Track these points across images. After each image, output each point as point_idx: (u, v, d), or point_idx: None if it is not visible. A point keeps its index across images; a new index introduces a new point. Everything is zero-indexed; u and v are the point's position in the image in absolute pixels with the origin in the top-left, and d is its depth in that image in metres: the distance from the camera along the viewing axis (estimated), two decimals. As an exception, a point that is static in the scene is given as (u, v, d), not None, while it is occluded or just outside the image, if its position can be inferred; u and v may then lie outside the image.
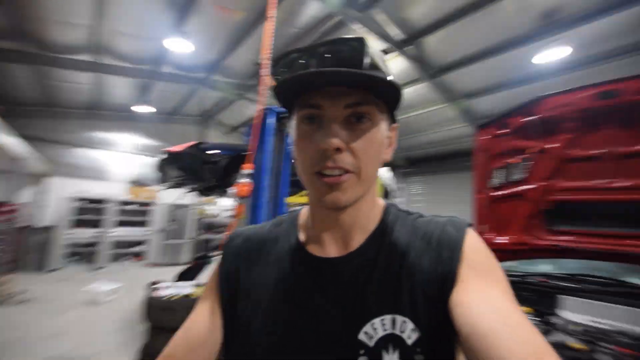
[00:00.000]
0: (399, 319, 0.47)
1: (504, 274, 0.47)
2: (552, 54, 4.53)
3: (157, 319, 2.77)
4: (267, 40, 2.10)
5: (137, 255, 8.38)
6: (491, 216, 2.23)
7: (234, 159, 3.64)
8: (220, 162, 3.78)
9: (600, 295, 1.74)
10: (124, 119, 8.63)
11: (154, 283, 3.18)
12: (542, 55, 4.59)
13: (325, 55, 0.46)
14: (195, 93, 7.56)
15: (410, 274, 0.49)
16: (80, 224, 7.66)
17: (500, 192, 2.17)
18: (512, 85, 5.37)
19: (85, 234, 7.71)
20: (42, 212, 7.37)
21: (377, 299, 0.49)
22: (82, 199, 7.68)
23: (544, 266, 2.32)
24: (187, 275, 3.99)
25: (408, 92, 6.20)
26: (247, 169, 1.92)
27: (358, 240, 0.54)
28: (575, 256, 1.97)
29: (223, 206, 9.31)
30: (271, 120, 2.30)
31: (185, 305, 2.70)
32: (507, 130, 2.08)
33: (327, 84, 0.46)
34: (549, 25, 4.06)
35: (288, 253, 0.55)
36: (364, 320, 0.48)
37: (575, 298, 1.72)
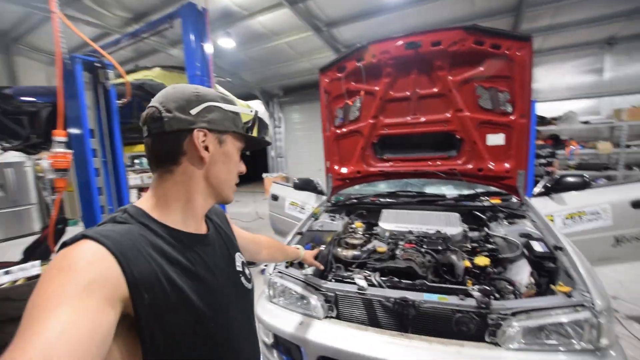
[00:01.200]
0: (239, 254, 0.85)
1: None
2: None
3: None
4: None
5: None
6: (336, 151, 2.54)
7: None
8: (40, 112, 2.98)
9: (408, 205, 2.34)
10: None
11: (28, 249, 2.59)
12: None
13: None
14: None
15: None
16: None
17: (341, 130, 2.46)
18: (375, 13, 5.60)
19: None
20: None
21: (232, 245, 0.83)
22: None
23: (376, 187, 2.88)
24: (36, 250, 3.37)
25: (271, 18, 5.81)
26: (59, 135, 1.58)
27: (203, 221, 0.77)
28: (396, 177, 2.50)
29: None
30: (81, 72, 1.84)
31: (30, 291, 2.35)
32: (343, 73, 2.27)
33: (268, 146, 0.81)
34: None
35: (176, 239, 0.64)
36: (234, 259, 0.80)
37: (392, 210, 2.25)
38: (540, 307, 1.21)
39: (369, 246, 1.87)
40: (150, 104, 0.64)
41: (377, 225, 2.16)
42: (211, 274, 0.67)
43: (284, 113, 10.80)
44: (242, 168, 0.77)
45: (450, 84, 2.08)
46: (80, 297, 0.43)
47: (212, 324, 0.62)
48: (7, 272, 2.51)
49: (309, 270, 1.71)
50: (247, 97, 7.93)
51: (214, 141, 0.67)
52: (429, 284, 1.44)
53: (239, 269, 0.80)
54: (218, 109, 0.68)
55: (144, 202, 0.65)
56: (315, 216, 2.39)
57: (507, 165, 2.13)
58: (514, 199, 2.21)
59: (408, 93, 2.20)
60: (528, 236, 1.75)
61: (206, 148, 0.66)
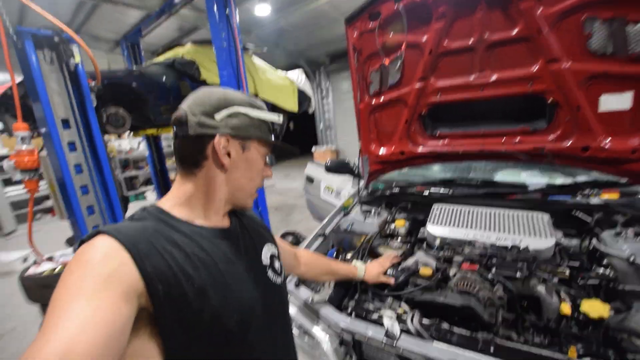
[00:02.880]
0: (269, 245, 0.82)
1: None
2: None
3: (43, 297, 2.46)
4: None
5: (50, 210, 7.47)
6: (373, 127, 2.00)
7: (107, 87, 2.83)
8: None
9: (470, 199, 1.74)
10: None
11: (72, 239, 2.73)
12: None
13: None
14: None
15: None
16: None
17: (378, 100, 1.89)
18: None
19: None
20: None
21: (259, 237, 0.81)
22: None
23: (427, 172, 2.27)
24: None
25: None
26: (20, 130, 1.34)
27: (227, 216, 0.76)
28: (453, 159, 1.88)
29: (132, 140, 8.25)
30: (32, 49, 1.51)
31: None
32: (376, 22, 1.67)
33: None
34: None
35: (194, 232, 0.63)
36: (260, 252, 0.78)
37: (447, 205, 1.68)
38: None
39: (410, 262, 1.37)
40: (180, 107, 0.66)
41: (421, 223, 1.63)
42: (230, 267, 0.65)
43: (331, 82, 10.15)
44: (268, 173, 0.77)
45: (540, 19, 1.37)
46: (97, 290, 0.44)
47: (232, 320, 0.60)
48: (49, 259, 2.58)
49: (325, 294, 1.29)
50: (291, 67, 7.46)
51: (237, 147, 0.68)
52: (498, 342, 0.92)
53: (266, 262, 0.77)
54: (244, 115, 0.68)
55: (165, 202, 0.66)
56: (345, 210, 1.93)
57: (634, 140, 1.38)
58: (644, 193, 1.47)
59: (471, 41, 1.53)
60: (677, 261, 1.08)
61: (228, 154, 0.66)
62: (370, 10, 1.68)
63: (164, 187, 4.83)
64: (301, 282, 1.34)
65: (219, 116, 0.64)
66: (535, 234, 1.32)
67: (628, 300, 1.14)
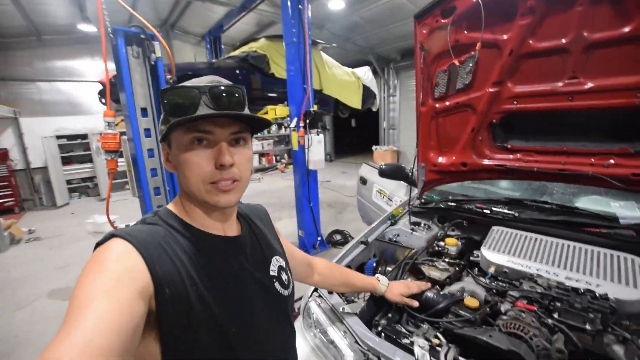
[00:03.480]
0: (277, 258, 0.80)
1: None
2: None
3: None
4: None
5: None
6: (434, 133, 1.85)
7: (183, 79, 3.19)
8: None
9: (539, 225, 1.51)
10: (75, 42, 7.69)
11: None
12: None
13: (218, 95, 0.61)
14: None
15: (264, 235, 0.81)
16: (68, 161, 7.73)
17: (443, 104, 1.73)
18: None
19: (81, 169, 7.88)
20: (27, 155, 7.38)
21: (269, 249, 0.78)
22: (63, 136, 7.56)
23: (491, 188, 2.03)
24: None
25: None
26: (108, 116, 1.54)
27: (236, 223, 0.75)
28: (525, 177, 1.65)
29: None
30: (123, 45, 1.73)
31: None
32: (449, 18, 1.52)
33: (216, 117, 0.60)
34: None
35: (201, 240, 0.64)
36: (268, 263, 0.76)
37: (509, 230, 1.49)
38: None
39: (455, 288, 1.24)
40: None
41: (480, 247, 1.46)
42: (236, 278, 0.65)
43: (400, 79, 9.77)
44: (221, 160, 0.60)
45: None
46: (113, 288, 0.46)
47: (232, 329, 0.60)
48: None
49: (357, 307, 1.24)
50: (361, 63, 7.36)
51: (167, 148, 0.66)
52: (548, 405, 0.77)
53: (274, 273, 0.77)
54: (163, 108, 0.62)
55: (174, 205, 0.67)
56: (393, 219, 1.84)
57: None
58: None
59: (565, 40, 1.30)
60: None
61: (167, 158, 0.67)
62: (443, 5, 1.54)
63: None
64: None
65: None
66: (620, 281, 1.08)
67: None
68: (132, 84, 1.74)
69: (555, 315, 0.97)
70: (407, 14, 6.68)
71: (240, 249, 0.71)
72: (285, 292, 0.78)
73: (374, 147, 10.23)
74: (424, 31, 1.64)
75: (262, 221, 0.85)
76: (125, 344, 0.43)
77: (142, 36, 1.80)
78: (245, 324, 0.63)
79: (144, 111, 1.85)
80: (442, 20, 1.56)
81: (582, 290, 1.06)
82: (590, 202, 1.66)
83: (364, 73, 5.82)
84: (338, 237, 4.48)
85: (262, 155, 10.84)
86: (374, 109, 6.37)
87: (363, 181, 3.27)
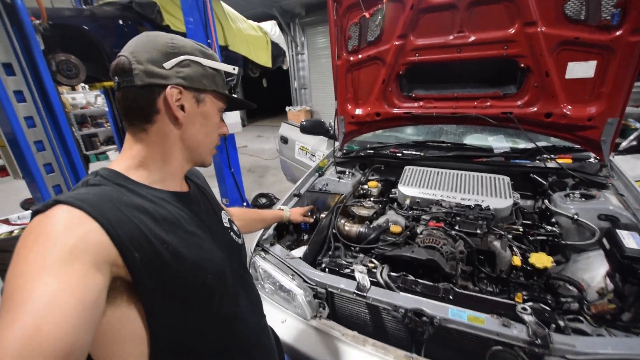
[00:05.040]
0: (224, 212, 0.83)
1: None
2: None
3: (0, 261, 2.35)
4: None
5: (3, 170, 6.88)
6: (350, 86, 1.96)
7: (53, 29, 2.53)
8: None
9: (440, 160, 1.80)
10: None
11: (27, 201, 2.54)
12: None
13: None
14: None
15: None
16: None
17: (356, 57, 1.83)
18: None
19: None
20: None
21: (215, 205, 0.79)
22: None
23: (401, 134, 2.31)
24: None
25: None
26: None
27: (184, 181, 0.74)
28: (427, 122, 1.92)
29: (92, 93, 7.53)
30: None
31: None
32: (358, -31, 1.56)
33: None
34: None
35: (158, 197, 0.60)
36: (220, 216, 0.78)
37: (418, 168, 1.74)
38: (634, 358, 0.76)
39: (381, 221, 1.43)
40: (119, 53, 0.59)
41: (397, 185, 1.69)
42: (200, 230, 0.64)
43: (307, 36, 9.60)
44: (224, 130, 0.73)
45: (523, -22, 1.35)
46: (63, 263, 0.40)
47: (208, 276, 0.60)
48: (4, 221, 2.42)
49: (299, 252, 1.34)
50: (263, 17, 6.92)
51: (191, 100, 0.62)
52: (457, 290, 1.02)
53: (227, 225, 0.79)
54: (196, 64, 0.62)
55: (119, 164, 0.61)
56: (320, 171, 1.95)
57: (591, 109, 1.47)
58: (592, 159, 1.59)
59: (453, -2, 1.48)
60: (612, 220, 1.22)
61: (182, 107, 0.61)
62: (351, -44, 1.56)
63: (128, 144, 4.54)
64: (276, 241, 1.37)
65: (168, 65, 0.58)
66: (496, 195, 1.42)
67: (567, 253, 1.29)
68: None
69: (457, 227, 1.24)
70: (308, -36, 6.42)
71: (196, 203, 0.71)
72: (240, 241, 0.81)
73: (287, 108, 10.14)
74: (335, -18, 1.65)
75: (199, 179, 0.84)
76: (84, 325, 0.39)
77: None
78: (219, 272, 0.63)
79: (7, 68, 1.39)
80: (352, -29, 1.59)
81: (473, 206, 1.36)
82: (474, 139, 2.05)
83: (271, 28, 5.54)
84: (263, 200, 4.50)
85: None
86: (285, 67, 6.21)
87: (284, 140, 3.29)
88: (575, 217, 1.26)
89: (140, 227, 0.51)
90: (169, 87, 0.58)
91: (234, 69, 0.71)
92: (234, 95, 0.74)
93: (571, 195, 1.38)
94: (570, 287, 1.09)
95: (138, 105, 0.58)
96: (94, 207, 0.47)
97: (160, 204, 0.59)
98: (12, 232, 2.37)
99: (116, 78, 0.58)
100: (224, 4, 4.53)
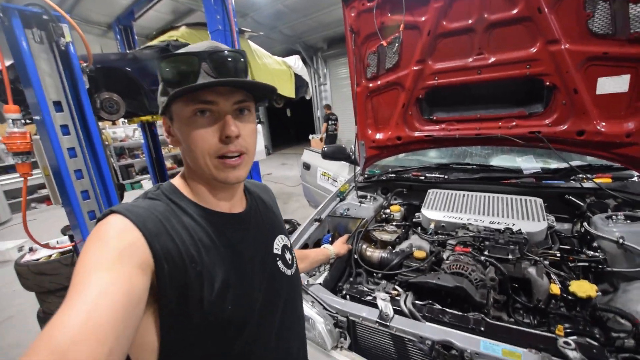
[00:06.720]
0: (282, 237, 0.79)
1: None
2: None
3: (39, 284, 2.48)
4: None
5: (46, 200, 7.45)
6: (370, 111, 1.98)
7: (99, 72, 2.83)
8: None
9: (465, 183, 1.74)
10: None
11: (67, 227, 2.73)
12: None
13: (220, 61, 0.59)
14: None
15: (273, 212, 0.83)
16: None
17: (376, 83, 1.86)
18: None
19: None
20: None
21: (273, 227, 0.78)
22: None
23: (423, 158, 2.27)
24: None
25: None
26: (11, 112, 1.31)
27: (242, 199, 0.74)
28: (450, 144, 1.88)
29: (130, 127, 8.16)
30: (20, 27, 1.46)
31: (61, 265, 2.39)
32: (374, 1, 1.63)
33: (220, 85, 0.57)
34: None
35: (203, 217, 0.62)
36: (272, 242, 0.75)
37: (442, 191, 1.69)
38: None
39: (404, 245, 1.38)
40: None
41: (420, 209, 1.64)
42: (236, 255, 0.63)
43: (329, 68, 10.00)
44: (226, 131, 0.57)
45: (541, -1, 1.34)
46: (114, 263, 0.46)
47: (229, 307, 0.58)
48: (45, 246, 2.58)
49: (320, 277, 1.31)
50: (289, 53, 7.33)
51: (169, 122, 0.62)
52: (489, 321, 0.94)
53: (277, 252, 0.75)
54: (160, 79, 0.60)
55: (179, 180, 0.65)
56: (341, 195, 1.94)
57: (629, 125, 1.38)
58: (635, 178, 1.47)
59: (471, 21, 1.50)
60: (666, 243, 1.10)
61: (169, 131, 0.63)
62: (365, -10, 1.64)
63: (160, 175, 4.79)
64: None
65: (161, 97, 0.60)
66: (528, 218, 1.33)
67: (615, 281, 1.16)
68: (39, 75, 1.46)
69: (486, 252, 1.16)
70: (330, 1, 6.83)
71: (244, 226, 0.69)
72: (289, 272, 0.75)
73: (310, 136, 10.38)
74: (352, 14, 1.73)
75: (269, 199, 0.83)
76: (129, 316, 0.43)
77: (45, 17, 1.52)
78: (243, 304, 0.61)
79: (57, 105, 1.57)
80: (368, 4, 1.66)
81: (503, 229, 1.28)
82: (500, 160, 1.97)
83: (294, 62, 5.83)
84: (287, 226, 4.51)
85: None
86: (307, 97, 6.44)
87: (306, 166, 3.33)
88: (621, 240, 1.14)
89: (177, 241, 0.54)
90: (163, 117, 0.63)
91: (167, 44, 0.65)
92: (204, 82, 0.56)
93: (614, 217, 1.26)
94: (622, 321, 0.97)
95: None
96: (139, 218, 0.52)
97: (202, 224, 0.60)
98: (50, 256, 2.52)
99: None
100: (250, 42, 4.87)
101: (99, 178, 1.71)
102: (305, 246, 1.54)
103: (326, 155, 2.43)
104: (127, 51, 4.51)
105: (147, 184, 7.99)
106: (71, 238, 1.84)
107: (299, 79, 5.84)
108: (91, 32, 8.36)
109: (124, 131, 8.25)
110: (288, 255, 0.78)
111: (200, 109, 0.56)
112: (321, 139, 8.95)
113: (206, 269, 0.56)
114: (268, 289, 0.68)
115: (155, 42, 4.42)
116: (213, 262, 0.58)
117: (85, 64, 1.74)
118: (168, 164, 8.91)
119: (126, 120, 6.84)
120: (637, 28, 1.23)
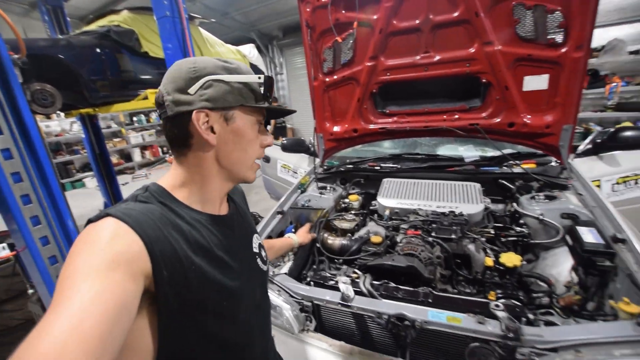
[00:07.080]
0: (257, 236, 0.84)
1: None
2: None
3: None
4: None
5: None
6: (327, 105, 2.04)
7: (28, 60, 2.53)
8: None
9: (415, 172, 1.89)
10: None
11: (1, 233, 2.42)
12: None
13: (271, 85, 0.70)
14: None
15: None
16: None
17: (332, 78, 1.93)
18: None
19: None
20: None
21: (251, 227, 0.83)
22: None
23: (378, 149, 2.40)
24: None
25: None
26: None
27: (225, 201, 0.78)
28: (401, 136, 2.02)
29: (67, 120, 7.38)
30: None
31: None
32: (329, -2, 1.68)
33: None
34: None
35: (196, 220, 0.63)
36: (251, 241, 0.80)
37: (395, 179, 1.82)
38: (597, 342, 0.83)
39: (363, 232, 1.48)
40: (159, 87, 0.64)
41: (376, 197, 1.75)
42: (228, 255, 0.67)
43: (285, 57, 9.86)
44: (267, 141, 0.72)
45: (477, 3, 1.49)
46: (106, 269, 0.45)
47: (224, 303, 0.63)
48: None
49: (285, 268, 1.37)
50: (242, 41, 7.10)
51: (220, 120, 0.63)
52: (436, 293, 1.07)
53: (256, 250, 0.80)
54: (219, 82, 0.62)
55: (167, 180, 0.65)
56: (302, 187, 2.00)
57: (548, 117, 1.60)
58: (554, 163, 1.72)
59: (418, 21, 1.61)
60: (573, 218, 1.32)
61: (212, 129, 0.63)
62: (321, -15, 1.68)
63: (106, 172, 4.45)
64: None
65: (192, 90, 0.60)
66: (468, 201, 1.51)
67: (537, 251, 1.38)
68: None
69: (433, 234, 1.30)
70: (283, -11, 6.70)
71: (230, 226, 0.72)
72: (265, 268, 0.81)
73: (267, 127, 10.24)
74: (308, 9, 1.76)
75: (240, 198, 0.86)
76: (119, 325, 0.43)
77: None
78: (237, 298, 0.65)
79: None
80: (323, 0, 1.70)
81: (447, 212, 1.44)
82: (446, 149, 2.17)
83: (249, 51, 5.68)
84: (248, 219, 4.48)
85: (144, 148, 9.51)
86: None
87: (266, 159, 3.33)
88: (541, 217, 1.35)
89: (175, 246, 0.55)
90: (195, 112, 0.60)
91: (259, 77, 0.67)
92: (269, 105, 0.70)
93: (536, 197, 1.48)
94: (541, 283, 1.16)
95: (174, 133, 0.62)
96: (137, 223, 0.51)
97: (196, 227, 0.62)
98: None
99: (157, 111, 0.64)
100: (202, 30, 4.64)
101: (40, 180, 1.55)
102: (269, 238, 1.58)
103: (286, 148, 2.46)
104: (59, 36, 4.05)
105: (91, 182, 7.34)
106: (11, 247, 1.66)
107: (254, 69, 5.71)
108: (10, 11, 7.33)
109: (59, 124, 7.44)
110: (263, 253, 0.84)
111: (261, 121, 0.70)
112: (272, 132, 8.91)
113: (203, 269, 0.58)
114: (253, 286, 0.73)
115: (92, 26, 4.04)
116: (208, 262, 0.60)
117: (17, 56, 1.54)
118: (114, 159, 8.24)
119: (62, 114, 6.19)
120: (552, 35, 1.43)
